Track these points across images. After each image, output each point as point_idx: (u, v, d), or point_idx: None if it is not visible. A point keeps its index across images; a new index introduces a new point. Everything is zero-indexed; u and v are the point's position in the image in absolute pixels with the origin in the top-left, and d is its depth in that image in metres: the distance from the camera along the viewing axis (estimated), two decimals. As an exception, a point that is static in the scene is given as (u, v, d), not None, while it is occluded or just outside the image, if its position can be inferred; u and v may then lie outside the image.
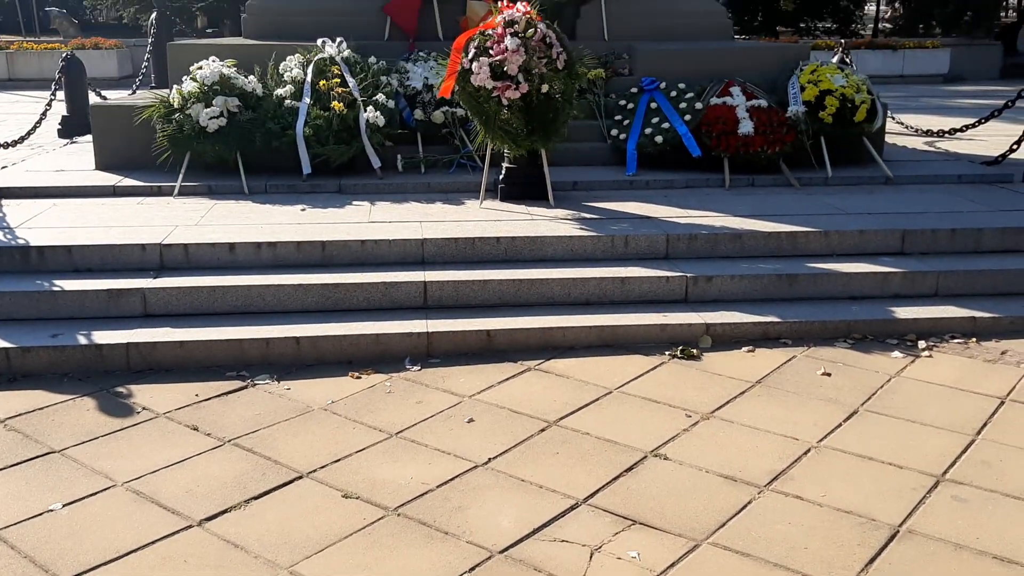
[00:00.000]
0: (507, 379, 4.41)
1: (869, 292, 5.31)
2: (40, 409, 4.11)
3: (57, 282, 4.98)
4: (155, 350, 4.56)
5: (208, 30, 29.20)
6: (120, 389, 4.32)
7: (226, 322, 4.80)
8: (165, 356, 4.56)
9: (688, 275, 5.20)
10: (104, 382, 4.40)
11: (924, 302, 5.24)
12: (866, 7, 37.34)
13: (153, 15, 12.50)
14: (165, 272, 5.13)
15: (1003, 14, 31.65)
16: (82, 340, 4.58)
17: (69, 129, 9.13)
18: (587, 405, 4.12)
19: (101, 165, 7.12)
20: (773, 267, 5.35)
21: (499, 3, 6.18)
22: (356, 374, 4.47)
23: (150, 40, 12.04)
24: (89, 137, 7.53)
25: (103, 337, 4.61)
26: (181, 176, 6.55)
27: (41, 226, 5.64)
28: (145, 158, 6.84)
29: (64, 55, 9.49)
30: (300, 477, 3.50)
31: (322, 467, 3.57)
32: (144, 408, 4.12)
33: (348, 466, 3.58)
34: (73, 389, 4.33)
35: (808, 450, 3.70)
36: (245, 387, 4.35)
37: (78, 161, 7.53)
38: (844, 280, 5.31)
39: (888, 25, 32.21)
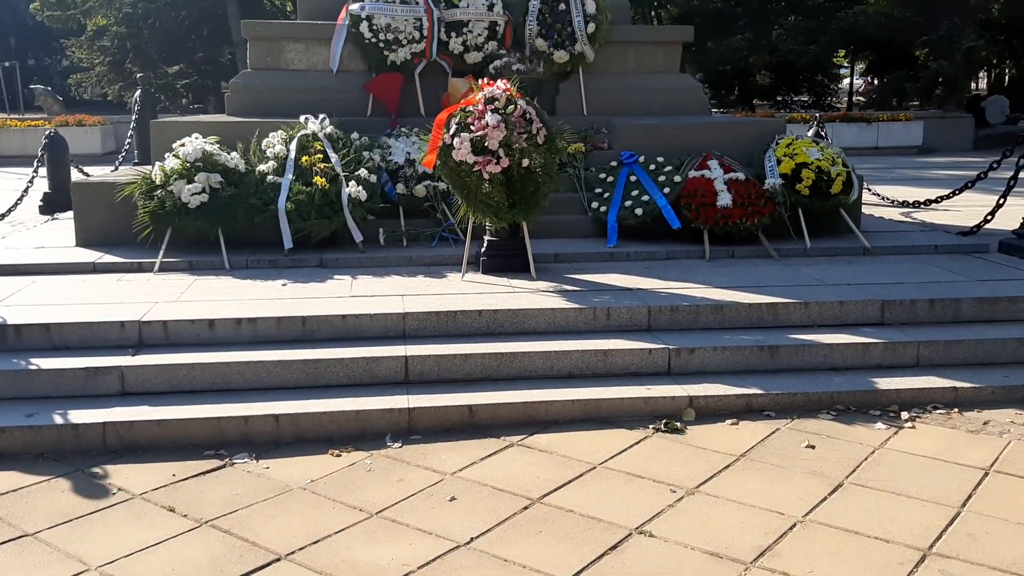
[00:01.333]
0: (489, 455, 4.36)
1: (851, 363, 5.32)
2: (14, 491, 4.02)
3: (34, 360, 4.92)
4: (132, 429, 4.49)
5: (193, 107, 29.54)
6: (96, 470, 4.24)
7: (205, 400, 4.74)
8: (142, 435, 4.49)
9: (671, 347, 5.20)
10: (80, 462, 4.32)
11: (906, 372, 5.26)
12: (841, 82, 38.29)
13: (138, 93, 12.64)
14: (144, 349, 5.08)
15: (973, 87, 32.47)
16: (58, 420, 4.51)
17: (50, 206, 9.14)
18: (571, 481, 4.07)
19: (82, 242, 7.11)
20: (755, 339, 5.36)
21: (480, 81, 6.30)
22: (336, 452, 4.41)
23: (134, 117, 12.14)
24: (70, 214, 7.53)
25: (79, 416, 4.54)
26: (162, 252, 6.54)
27: (19, 303, 5.60)
28: (126, 235, 6.84)
29: (47, 132, 9.55)
30: (278, 559, 3.42)
31: (301, 549, 3.49)
32: (120, 489, 4.03)
33: (327, 547, 3.50)
34: (48, 470, 4.24)
35: (794, 525, 3.66)
36: (223, 466, 4.28)
37: (59, 238, 7.52)
38: (825, 351, 5.32)
39: (862, 99, 32.98)
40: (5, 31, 38.78)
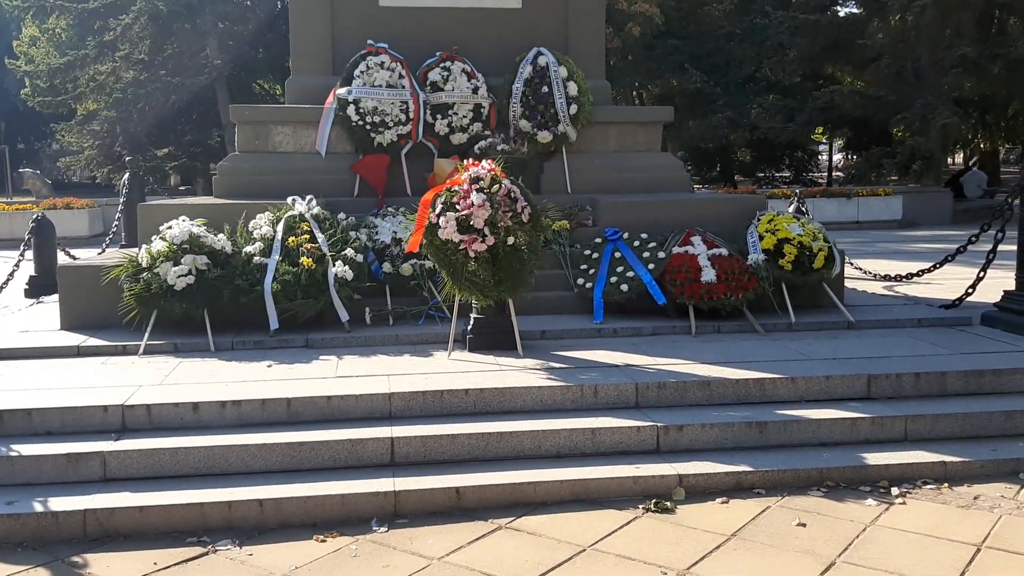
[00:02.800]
0: (477, 539, 4.30)
1: (839, 438, 5.30)
2: (-12, 583, 3.93)
3: (15, 447, 4.85)
4: (113, 516, 4.40)
5: (181, 188, 29.76)
6: (75, 559, 4.15)
7: (187, 485, 4.67)
8: (124, 522, 4.41)
9: (659, 424, 5.17)
10: (59, 551, 4.23)
11: (894, 447, 5.23)
12: (820, 157, 38.98)
13: (126, 175, 12.74)
14: (127, 434, 5.02)
15: (951, 162, 33.12)
16: (38, 507, 4.42)
17: (36, 289, 9.12)
18: (560, 565, 4.01)
19: (67, 325, 7.08)
20: (743, 415, 5.34)
21: (465, 161, 6.40)
22: (321, 537, 4.34)
23: (122, 200, 12.22)
24: (56, 297, 7.51)
25: (60, 504, 4.45)
26: (147, 335, 6.51)
27: (2, 389, 5.54)
28: (112, 317, 6.82)
29: (35, 216, 9.58)
30: (260, 651, 3.33)
31: (284, 639, 3.40)
32: (98, 579, 3.94)
33: (311, 637, 3.41)
34: (27, 559, 4.15)
35: (787, 606, 3.60)
36: (205, 553, 4.19)
37: (43, 321, 7.49)
38: (814, 427, 5.30)
39: (841, 174, 33.55)
40: (-4, 116, 39.18)
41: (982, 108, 28.01)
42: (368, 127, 8.47)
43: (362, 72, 8.57)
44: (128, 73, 26.63)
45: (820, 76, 27.76)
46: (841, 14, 27.17)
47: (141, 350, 6.42)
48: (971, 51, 21.58)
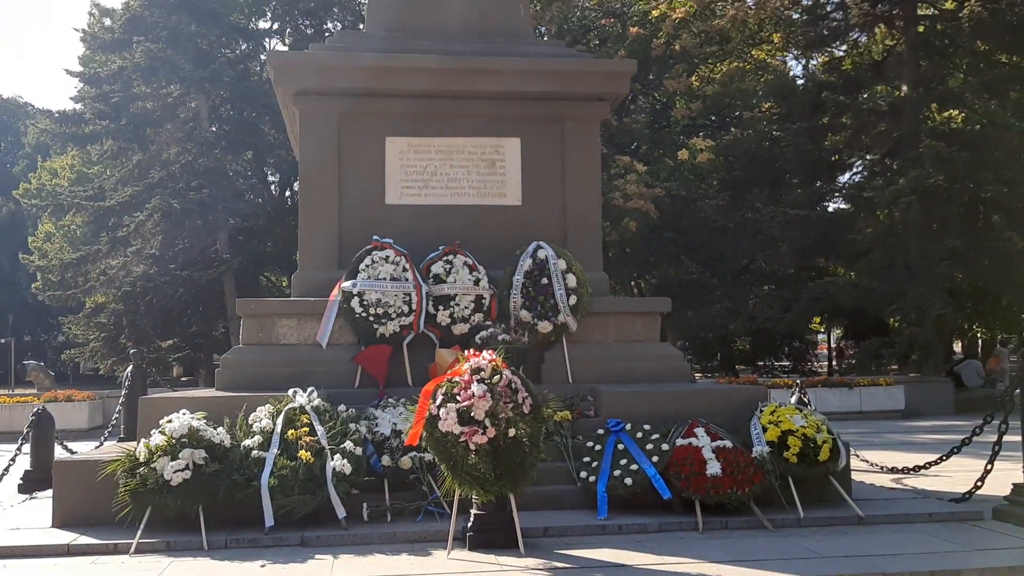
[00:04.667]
0: None
1: (857, 641, 5.06)
2: None
3: (-8, 653, 4.63)
4: None
5: (183, 379, 29.86)
6: None
7: None
8: None
9: (666, 627, 4.95)
10: None
11: (915, 651, 4.98)
12: (819, 346, 39.27)
13: (130, 368, 12.79)
14: (111, 639, 4.80)
15: (950, 351, 33.29)
16: None
17: (31, 484, 8.96)
18: None
19: (59, 522, 6.91)
20: (754, 616, 5.13)
21: (466, 351, 6.45)
22: None
23: (123, 392, 12.21)
24: (51, 492, 7.37)
25: None
26: (139, 533, 6.35)
27: (-16, 590, 5.35)
28: (106, 513, 6.66)
29: (35, 409, 9.56)
30: None
31: None
32: None
33: None
34: None
35: None
36: None
37: (35, 518, 7.32)
38: (829, 629, 5.07)
39: (841, 364, 33.66)
40: (4, 309, 39.88)
41: (975, 299, 28.48)
42: (371, 318, 8.60)
43: (367, 266, 8.79)
44: (138, 267, 27.31)
45: (813, 268, 28.43)
46: (830, 209, 28.13)
47: (133, 549, 6.24)
48: (959, 244, 22.19)
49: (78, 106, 30.74)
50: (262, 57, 32.69)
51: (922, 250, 22.67)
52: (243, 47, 33.33)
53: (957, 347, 37.25)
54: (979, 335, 34.49)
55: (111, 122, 28.18)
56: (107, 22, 32.60)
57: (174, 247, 27.87)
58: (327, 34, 34.53)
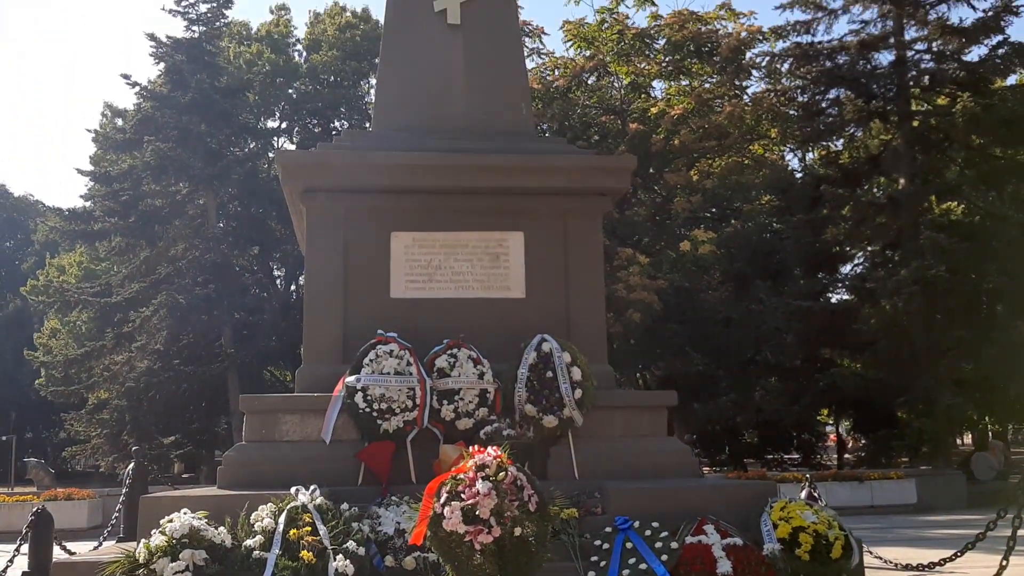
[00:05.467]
0: None
1: None
2: None
3: None
4: None
5: (184, 476, 29.50)
6: None
7: None
8: None
9: None
10: None
11: None
12: (827, 439, 38.81)
13: (131, 465, 12.67)
14: None
15: (960, 443, 32.93)
16: None
17: (28, 585, 8.78)
18: None
19: (53, 625, 6.75)
20: None
21: (471, 447, 6.38)
22: None
23: (124, 490, 12.06)
24: (45, 594, 7.22)
25: None
26: (136, 636, 6.19)
27: None
28: (100, 616, 6.51)
29: (35, 508, 9.43)
30: None
31: None
32: None
33: None
34: None
35: None
36: None
37: (29, 621, 7.14)
38: None
39: (851, 456, 33.24)
40: (6, 406, 39.73)
41: (983, 389, 28.31)
42: (375, 414, 8.53)
43: (371, 360, 8.76)
44: (142, 363, 27.31)
45: (819, 359, 28.35)
46: (834, 300, 28.21)
47: (127, 653, 6.07)
48: (965, 334, 22.18)
49: (88, 204, 31.30)
50: (270, 155, 33.36)
51: (928, 341, 22.65)
52: (252, 145, 34.08)
53: (968, 438, 36.82)
54: (989, 426, 34.11)
55: (120, 219, 28.61)
56: (119, 122, 33.43)
57: (178, 342, 27.94)
58: (334, 132, 35.31)
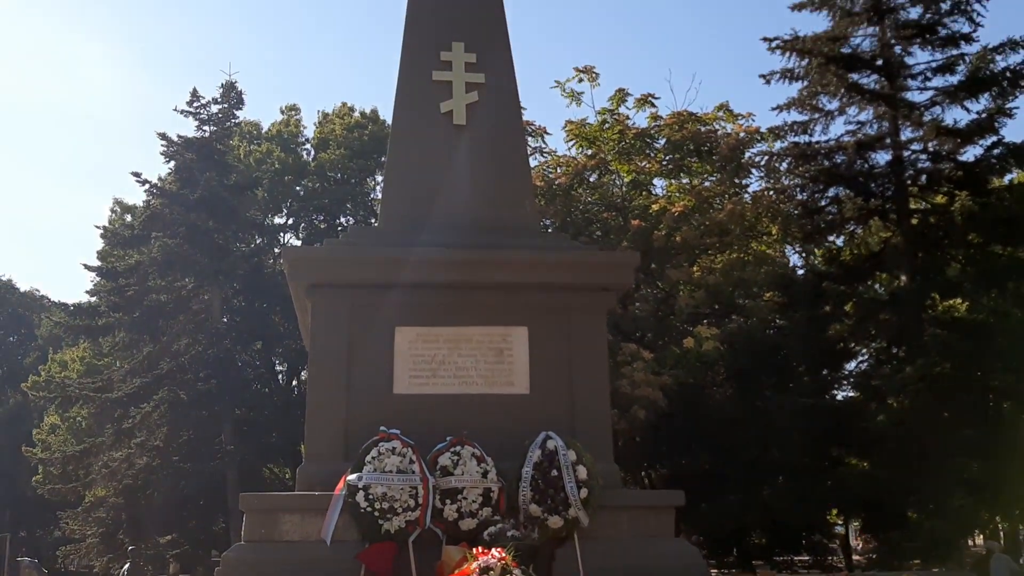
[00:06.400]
0: None
1: None
2: None
3: None
4: None
5: (179, 576, 28.82)
6: None
7: None
8: None
9: None
10: None
11: None
12: (837, 540, 37.98)
13: (126, 566, 12.41)
14: None
15: (971, 543, 32.22)
16: None
17: None
18: None
19: None
20: None
21: (474, 549, 6.25)
22: None
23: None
24: None
25: None
26: None
27: None
28: None
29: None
30: None
31: None
32: None
33: None
34: None
35: None
36: None
37: None
38: None
39: (861, 558, 32.48)
40: (1, 504, 39.16)
41: (994, 489, 27.82)
42: (376, 513, 8.38)
43: (373, 458, 8.65)
44: (141, 459, 27.00)
45: (827, 457, 27.96)
46: (839, 398, 27.99)
47: None
48: (973, 433, 21.93)
49: (93, 299, 31.42)
50: (276, 250, 33.69)
51: (935, 440, 22.38)
52: (258, 241, 34.45)
53: (979, 539, 36.02)
54: (1001, 526, 33.39)
55: (124, 314, 28.71)
56: (128, 218, 33.86)
57: (178, 438, 27.70)
58: (340, 228, 35.75)
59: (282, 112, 41.45)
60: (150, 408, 26.94)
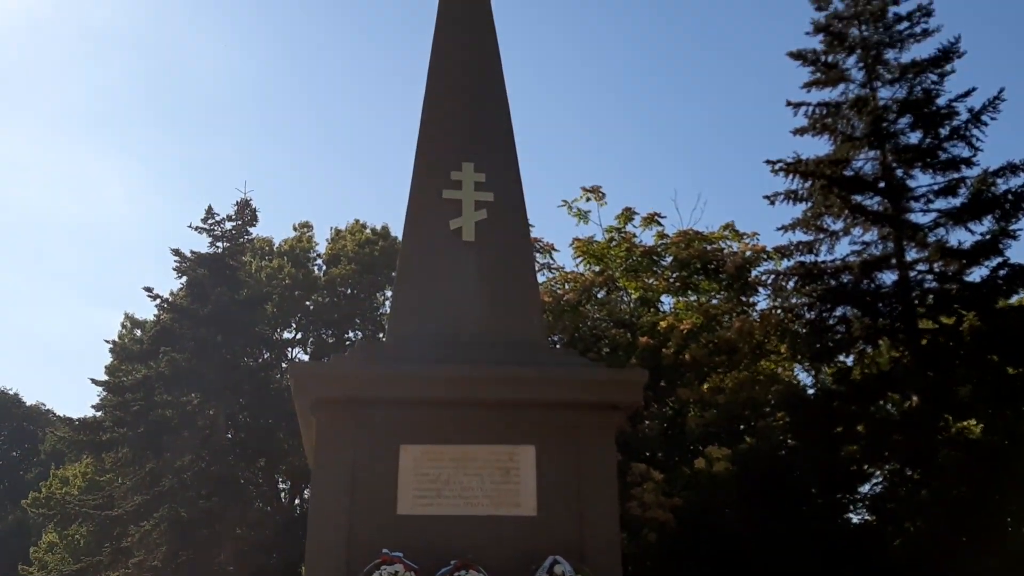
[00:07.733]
0: None
1: None
2: None
3: None
4: None
5: None
6: None
7: None
8: None
9: None
10: None
11: None
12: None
13: None
14: None
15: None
16: None
17: None
18: None
19: None
20: None
21: None
22: None
23: None
24: None
25: None
26: None
27: None
28: None
29: None
30: None
31: None
32: None
33: None
34: None
35: None
36: None
37: None
38: None
39: None
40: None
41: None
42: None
43: (375, 582, 8.43)
44: (138, 580, 26.30)
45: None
46: (855, 520, 27.26)
47: None
48: (996, 561, 21.22)
49: (98, 414, 31.19)
50: (283, 365, 33.62)
51: (955, 565, 21.67)
52: (266, 356, 34.42)
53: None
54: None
55: (129, 429, 28.44)
56: (137, 333, 33.95)
57: (177, 559, 27.00)
58: (347, 342, 35.77)
59: (295, 229, 42.13)
60: (150, 527, 26.38)
